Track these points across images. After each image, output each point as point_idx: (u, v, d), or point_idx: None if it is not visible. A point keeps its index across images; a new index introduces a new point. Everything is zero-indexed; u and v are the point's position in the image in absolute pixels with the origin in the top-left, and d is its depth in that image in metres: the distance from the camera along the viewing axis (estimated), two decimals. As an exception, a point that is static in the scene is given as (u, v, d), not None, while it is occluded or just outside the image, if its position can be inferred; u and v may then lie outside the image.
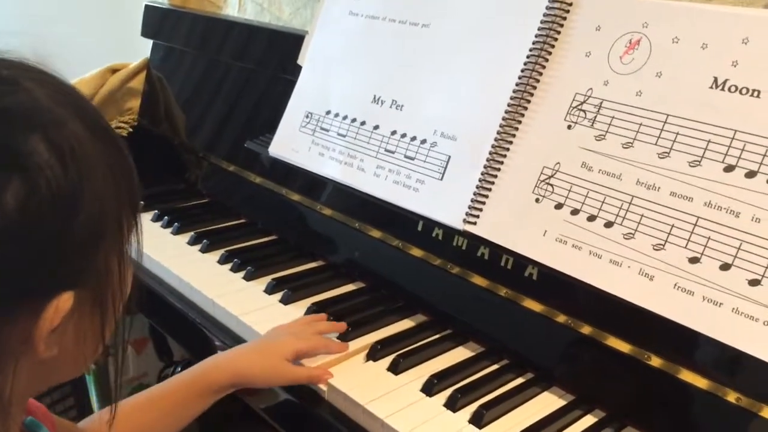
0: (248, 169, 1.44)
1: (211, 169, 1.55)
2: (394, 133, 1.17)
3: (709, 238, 0.83)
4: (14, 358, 0.56)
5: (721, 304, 0.80)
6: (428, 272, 1.09)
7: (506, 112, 1.03)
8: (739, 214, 0.81)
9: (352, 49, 1.27)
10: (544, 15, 1.02)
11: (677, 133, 0.88)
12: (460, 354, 1.03)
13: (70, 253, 0.56)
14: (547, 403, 0.94)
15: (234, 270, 1.23)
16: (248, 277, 1.20)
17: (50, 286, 0.55)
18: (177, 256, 1.28)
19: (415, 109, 1.15)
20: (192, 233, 1.35)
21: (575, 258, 0.92)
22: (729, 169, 0.83)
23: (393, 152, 1.16)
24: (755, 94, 0.83)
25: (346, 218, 1.22)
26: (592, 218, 0.92)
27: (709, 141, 0.85)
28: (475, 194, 1.03)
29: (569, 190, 0.95)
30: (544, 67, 1.01)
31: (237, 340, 1.07)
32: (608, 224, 0.91)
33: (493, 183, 1.02)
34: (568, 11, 1.01)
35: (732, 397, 0.80)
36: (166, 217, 1.42)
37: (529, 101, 1.02)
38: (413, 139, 1.14)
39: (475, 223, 1.03)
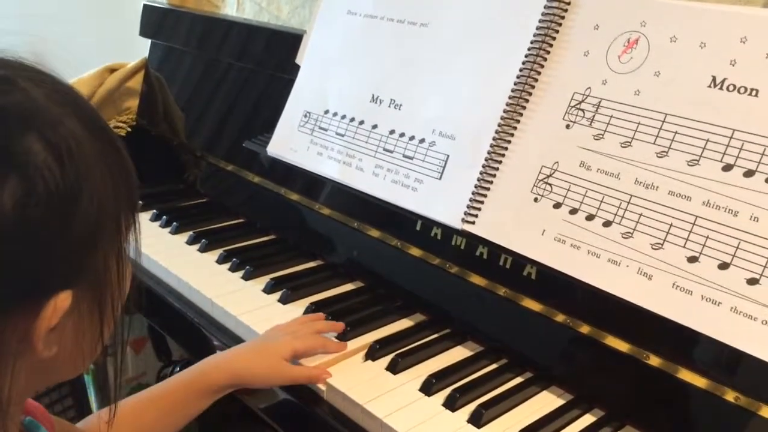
0: (247, 168, 1.44)
1: (209, 168, 1.54)
2: (392, 132, 1.16)
3: (707, 237, 0.83)
4: (13, 357, 0.56)
5: (719, 303, 0.80)
6: (427, 272, 1.09)
7: (505, 111, 1.03)
8: (738, 213, 0.81)
9: (351, 48, 1.27)
10: (543, 14, 1.02)
11: (675, 133, 0.88)
12: (458, 353, 1.03)
13: (68, 252, 0.56)
14: (546, 402, 0.94)
15: (233, 269, 1.23)
16: (247, 277, 1.20)
17: (48, 285, 0.55)
18: (175, 255, 1.28)
19: (414, 109, 1.15)
20: (190, 233, 1.35)
21: (574, 257, 0.92)
22: (727, 168, 0.83)
23: (391, 152, 1.16)
24: (753, 93, 0.83)
25: (345, 218, 1.22)
26: (590, 217, 0.92)
27: (707, 140, 0.85)
28: (473, 193, 1.03)
29: (568, 190, 0.95)
30: (542, 66, 1.01)
31: (236, 339, 1.07)
32: (607, 223, 0.91)
33: (491, 182, 1.02)
34: (566, 10, 1.01)
35: (731, 396, 0.80)
36: (164, 217, 1.42)
37: (527, 100, 1.02)
38: (412, 138, 1.14)
39: (473, 223, 1.03)
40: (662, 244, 0.86)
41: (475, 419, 0.88)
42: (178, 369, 1.54)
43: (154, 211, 1.44)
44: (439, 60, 1.14)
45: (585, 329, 0.92)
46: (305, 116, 1.30)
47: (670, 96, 0.89)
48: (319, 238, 1.29)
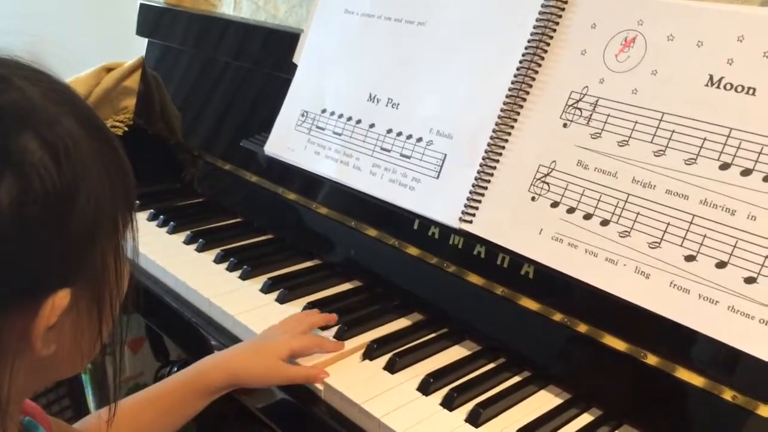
0: (244, 168, 1.43)
1: (206, 168, 1.54)
2: (390, 131, 1.16)
3: (704, 236, 0.83)
4: (11, 356, 0.56)
5: (717, 302, 0.80)
6: (424, 271, 1.09)
7: (502, 110, 1.03)
8: (735, 212, 0.81)
9: (348, 47, 1.27)
10: (540, 13, 1.02)
11: (673, 131, 0.88)
12: (456, 353, 1.03)
13: (65, 250, 0.56)
14: (544, 401, 0.94)
15: (230, 269, 1.23)
16: (244, 277, 1.20)
17: (46, 283, 0.55)
18: (173, 255, 1.28)
19: (411, 108, 1.15)
20: (188, 232, 1.35)
21: (571, 256, 0.92)
22: (724, 167, 0.83)
23: (389, 151, 1.15)
24: (750, 91, 0.83)
25: (342, 217, 1.22)
26: (588, 216, 0.92)
27: (704, 139, 0.85)
28: (471, 192, 1.03)
29: (565, 189, 0.95)
30: (539, 65, 1.01)
31: (233, 339, 1.07)
32: (604, 222, 0.91)
33: (489, 181, 1.02)
34: (563, 9, 1.01)
35: (728, 395, 0.80)
36: (161, 217, 1.41)
37: (524, 99, 1.02)
38: (409, 137, 1.14)
39: (471, 222, 1.02)
40: (659, 243, 0.86)
41: (473, 418, 0.88)
42: (175, 369, 1.54)
43: (152, 210, 1.44)
44: (437, 59, 1.14)
45: (583, 328, 0.92)
46: (302, 115, 1.30)
47: (667, 95, 0.89)
48: (317, 238, 1.28)
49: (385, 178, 1.14)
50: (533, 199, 0.97)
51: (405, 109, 1.16)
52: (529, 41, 1.03)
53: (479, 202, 1.02)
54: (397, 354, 0.99)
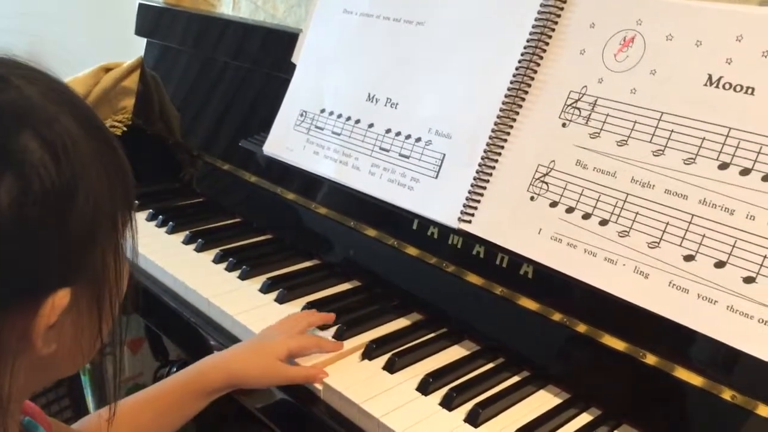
0: (243, 168, 1.43)
1: (205, 168, 1.54)
2: (388, 131, 1.16)
3: (703, 235, 0.83)
4: (12, 355, 0.56)
5: (715, 301, 0.80)
6: (423, 271, 1.09)
7: (501, 110, 1.03)
8: (734, 212, 0.81)
9: (347, 47, 1.27)
10: (539, 13, 1.02)
11: (672, 131, 0.88)
12: (455, 353, 1.03)
13: (65, 250, 0.56)
14: (543, 401, 0.94)
15: (229, 269, 1.23)
16: (243, 277, 1.20)
17: (46, 283, 0.55)
18: (172, 255, 1.28)
19: (410, 107, 1.15)
20: (187, 232, 1.35)
21: (570, 256, 0.92)
22: (723, 166, 0.83)
23: (388, 150, 1.15)
24: (749, 91, 0.83)
25: (342, 217, 1.22)
26: (587, 216, 0.92)
27: (703, 138, 0.85)
28: (470, 192, 1.03)
29: (564, 188, 0.95)
30: (538, 65, 1.01)
31: (232, 339, 1.07)
32: (603, 222, 0.91)
33: (488, 181, 1.02)
34: (562, 9, 1.01)
35: (727, 394, 0.80)
36: (160, 217, 1.41)
37: (523, 99, 1.02)
38: (408, 137, 1.14)
39: (470, 222, 1.02)
40: (659, 243, 0.86)
41: (472, 418, 0.88)
42: (175, 369, 1.54)
43: (150, 210, 1.44)
44: (435, 59, 1.14)
45: (582, 328, 0.92)
46: (301, 115, 1.30)
47: (666, 94, 0.89)
48: (316, 238, 1.28)
49: (384, 178, 1.14)
50: (532, 198, 0.97)
51: (404, 108, 1.16)
52: (527, 41, 1.03)
53: (478, 201, 1.02)
54: (396, 354, 0.99)
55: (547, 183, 0.96)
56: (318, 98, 1.28)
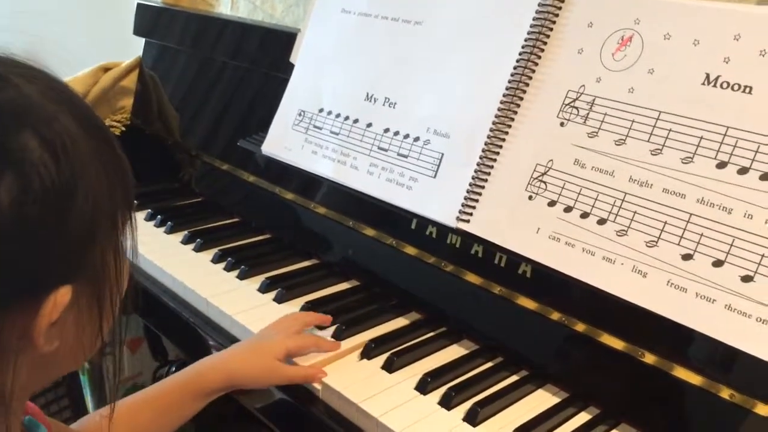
0: (242, 167, 1.43)
1: (204, 168, 1.54)
2: (387, 130, 1.16)
3: (701, 234, 0.83)
4: (14, 353, 0.56)
5: (714, 300, 0.81)
6: (422, 270, 1.09)
7: (499, 109, 1.03)
8: (732, 211, 0.81)
9: (345, 46, 1.27)
10: (537, 12, 1.02)
11: (670, 130, 0.88)
12: (454, 352, 1.03)
13: (65, 248, 0.56)
14: (542, 400, 0.94)
15: (227, 269, 1.23)
16: (242, 276, 1.20)
17: (47, 280, 0.56)
18: (170, 255, 1.28)
19: (408, 107, 1.15)
20: (185, 232, 1.35)
21: (568, 255, 0.92)
22: (721, 165, 0.83)
23: (386, 150, 1.15)
24: (747, 90, 0.83)
25: (340, 217, 1.22)
26: (585, 215, 0.92)
27: (701, 138, 0.85)
28: (468, 192, 1.03)
29: (562, 188, 0.95)
30: (536, 64, 1.01)
31: (231, 339, 1.07)
32: (601, 221, 0.91)
33: (486, 180, 1.02)
34: (560, 8, 1.01)
35: (726, 393, 0.80)
36: (159, 216, 1.41)
37: (521, 98, 1.02)
38: (406, 136, 1.14)
39: (468, 221, 1.03)
40: (657, 242, 0.86)
41: (471, 418, 0.88)
42: (174, 369, 1.54)
43: (149, 210, 1.44)
44: (434, 58, 1.14)
45: (580, 327, 0.92)
46: (300, 115, 1.30)
47: (664, 93, 0.89)
48: (315, 237, 1.28)
49: (382, 178, 1.14)
50: (530, 198, 0.97)
51: (402, 108, 1.16)
52: (526, 40, 1.03)
53: (476, 201, 1.02)
54: (395, 353, 0.99)
55: (545, 182, 0.96)
56: (316, 98, 1.28)
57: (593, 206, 0.92)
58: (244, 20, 1.67)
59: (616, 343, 0.89)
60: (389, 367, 0.97)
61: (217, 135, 1.53)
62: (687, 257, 0.83)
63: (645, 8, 0.93)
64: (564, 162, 0.95)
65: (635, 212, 0.88)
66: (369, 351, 1.00)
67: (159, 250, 1.28)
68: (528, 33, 1.03)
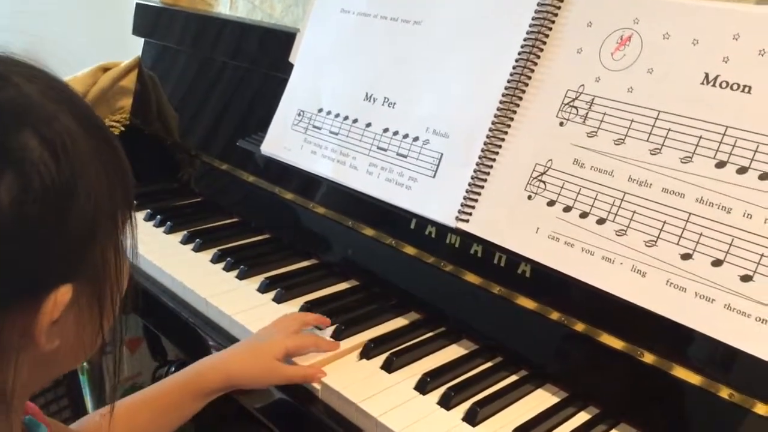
0: (241, 167, 1.43)
1: (203, 168, 1.54)
2: (386, 130, 1.16)
3: (701, 234, 0.83)
4: (15, 352, 0.56)
5: (713, 300, 0.81)
6: (421, 270, 1.09)
7: (498, 109, 1.03)
8: (731, 210, 0.81)
9: (344, 46, 1.27)
10: (536, 11, 1.02)
11: (669, 130, 0.88)
12: (453, 352, 1.03)
13: (66, 247, 0.56)
14: (541, 400, 0.94)
15: (227, 269, 1.23)
16: (241, 276, 1.20)
17: (48, 279, 0.56)
18: (169, 255, 1.28)
19: (408, 107, 1.15)
20: (185, 232, 1.35)
21: (568, 255, 0.92)
22: (720, 165, 0.83)
23: (385, 150, 1.15)
24: (746, 89, 0.83)
25: (340, 216, 1.22)
26: (584, 215, 0.92)
27: (700, 137, 0.85)
28: (467, 191, 1.03)
29: (561, 187, 0.95)
30: (535, 64, 1.01)
31: (230, 339, 1.07)
32: (600, 221, 0.91)
33: (485, 180, 1.02)
34: (559, 8, 1.01)
35: (725, 393, 0.80)
36: (158, 216, 1.41)
37: (520, 98, 1.02)
38: (405, 136, 1.14)
39: (467, 221, 1.03)
40: (656, 242, 0.86)
41: (470, 417, 0.88)
42: (173, 369, 1.53)
43: (148, 210, 1.44)
44: (433, 58, 1.14)
45: (579, 327, 0.92)
46: (299, 115, 1.30)
47: (663, 93, 0.89)
48: (314, 237, 1.28)
49: (381, 178, 1.14)
50: (530, 197, 0.97)
51: (401, 108, 1.16)
52: (525, 40, 1.03)
53: (476, 201, 1.02)
54: (394, 353, 0.99)
55: (544, 182, 0.96)
56: (315, 98, 1.28)
57: (592, 206, 0.92)
58: (243, 20, 1.67)
59: (616, 343, 0.89)
60: (388, 367, 0.97)
61: (216, 135, 1.52)
62: (686, 257, 0.83)
63: (644, 8, 0.93)
64: (563, 162, 0.95)
65: (634, 212, 0.88)
66: (368, 351, 1.00)
67: (158, 250, 1.28)
68: (527, 32, 1.03)
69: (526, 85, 1.01)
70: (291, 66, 1.34)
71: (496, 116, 1.03)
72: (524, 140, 1.00)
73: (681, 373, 0.83)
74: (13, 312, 0.55)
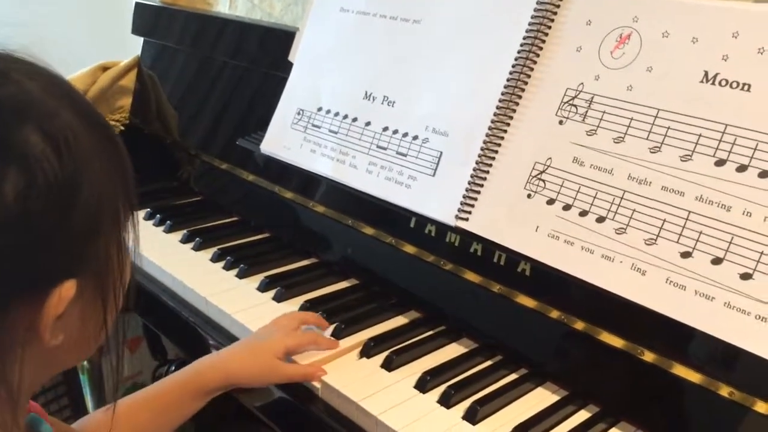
0: (241, 166, 1.43)
1: (203, 167, 1.54)
2: (386, 129, 1.16)
3: (700, 232, 0.83)
4: (20, 347, 0.56)
5: (713, 298, 0.81)
6: (421, 269, 1.09)
7: (498, 107, 1.03)
8: (731, 208, 0.81)
9: (344, 45, 1.27)
10: (535, 10, 1.02)
11: (668, 128, 0.88)
12: (453, 350, 1.03)
13: (69, 241, 0.56)
14: (541, 398, 0.94)
15: (227, 268, 1.23)
16: (241, 275, 1.20)
17: (52, 275, 0.56)
18: (169, 254, 1.28)
19: (407, 105, 1.15)
20: (184, 231, 1.35)
21: (568, 253, 0.92)
22: (720, 163, 0.83)
23: (385, 149, 1.15)
24: (745, 87, 0.83)
25: (339, 215, 1.22)
26: (584, 213, 0.92)
27: (700, 135, 0.85)
28: (467, 190, 1.03)
29: (561, 186, 0.95)
30: (534, 62, 1.01)
31: (230, 338, 1.07)
32: (600, 219, 0.91)
33: (485, 179, 1.02)
34: (558, 6, 1.01)
35: (725, 391, 0.80)
36: (158, 215, 1.41)
37: (520, 97, 1.02)
38: (405, 135, 1.14)
39: (467, 219, 1.03)
40: (656, 240, 0.86)
41: (470, 416, 0.88)
42: (173, 368, 1.53)
43: (148, 209, 1.44)
44: (432, 57, 1.14)
45: (579, 325, 0.92)
46: (298, 114, 1.30)
47: (662, 91, 0.89)
48: (314, 236, 1.28)
49: (381, 176, 1.14)
50: (529, 196, 0.97)
51: (401, 106, 1.16)
52: (524, 38, 1.03)
53: (475, 199, 1.02)
54: (394, 352, 0.99)
55: (544, 180, 0.96)
56: (315, 96, 1.28)
57: (592, 204, 0.92)
58: (243, 19, 1.67)
59: (616, 341, 0.89)
60: (389, 365, 0.97)
61: (215, 134, 1.52)
62: (686, 255, 0.83)
63: (643, 6, 0.93)
64: (563, 160, 0.95)
65: (634, 210, 0.88)
66: (368, 349, 1.00)
67: (158, 249, 1.28)
68: (526, 31, 1.03)
69: (526, 83, 1.01)
70: (290, 65, 1.34)
71: (495, 115, 1.03)
72: (524, 139, 1.00)
73: (681, 371, 0.83)
74: (18, 307, 0.55)
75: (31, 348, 0.57)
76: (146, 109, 1.71)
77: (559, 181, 0.95)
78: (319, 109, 1.26)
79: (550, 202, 0.95)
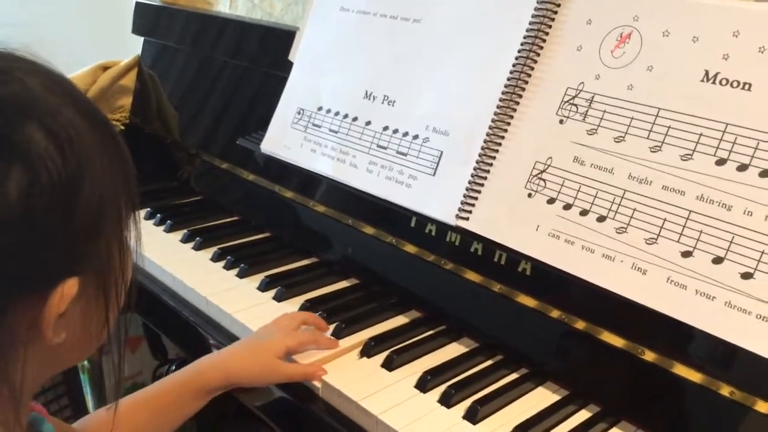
0: (241, 166, 1.43)
1: (203, 166, 1.54)
2: (386, 128, 1.16)
3: (701, 231, 0.83)
4: (23, 345, 0.56)
5: (713, 297, 0.80)
6: (422, 268, 1.09)
7: (498, 107, 1.03)
8: (731, 208, 0.81)
9: (344, 44, 1.27)
10: (535, 9, 1.02)
11: (669, 127, 0.88)
12: (454, 350, 1.03)
13: (72, 239, 0.56)
14: (542, 398, 0.94)
15: (227, 267, 1.23)
16: (241, 275, 1.20)
17: (54, 273, 0.56)
18: (170, 253, 1.28)
19: (407, 105, 1.15)
20: (185, 231, 1.35)
21: (568, 253, 0.92)
22: (721, 162, 0.83)
23: (385, 148, 1.15)
24: (746, 87, 0.83)
25: (340, 215, 1.22)
26: (584, 213, 0.92)
27: (700, 134, 0.85)
28: (467, 189, 1.03)
29: (561, 185, 0.95)
30: (535, 61, 1.01)
31: (231, 337, 1.07)
32: (601, 219, 0.91)
33: (485, 178, 1.02)
34: (558, 5, 1.01)
35: (726, 390, 0.80)
36: (158, 215, 1.41)
37: (520, 96, 1.02)
38: (405, 134, 1.14)
39: (467, 219, 1.02)
40: (656, 239, 0.86)
41: (471, 415, 0.88)
42: (173, 368, 1.54)
43: (149, 209, 1.44)
44: (433, 56, 1.14)
45: (580, 325, 0.92)
46: (298, 113, 1.29)
47: (663, 90, 0.89)
48: (314, 236, 1.28)
49: (381, 176, 1.14)
50: (530, 195, 0.97)
51: (401, 106, 1.16)
52: (524, 37, 1.03)
53: (476, 199, 1.02)
54: (394, 351, 0.99)
55: (544, 180, 0.96)
56: (315, 96, 1.28)
57: (593, 203, 0.92)
58: (243, 19, 1.67)
59: (616, 341, 0.88)
60: (389, 365, 0.97)
61: (216, 133, 1.52)
62: (687, 254, 0.83)
63: (644, 5, 0.93)
64: (563, 159, 0.95)
65: (635, 209, 0.88)
66: (369, 349, 1.00)
67: (158, 249, 1.28)
68: (527, 30, 1.02)
69: (526, 82, 1.01)
70: (290, 64, 1.34)
71: (496, 114, 1.03)
72: (524, 138, 1.00)
73: (682, 370, 0.83)
74: (21, 305, 0.55)
75: (34, 346, 0.57)
76: (146, 108, 1.71)
77: (559, 181, 0.95)
78: (320, 109, 1.26)
79: (551, 201, 0.95)
